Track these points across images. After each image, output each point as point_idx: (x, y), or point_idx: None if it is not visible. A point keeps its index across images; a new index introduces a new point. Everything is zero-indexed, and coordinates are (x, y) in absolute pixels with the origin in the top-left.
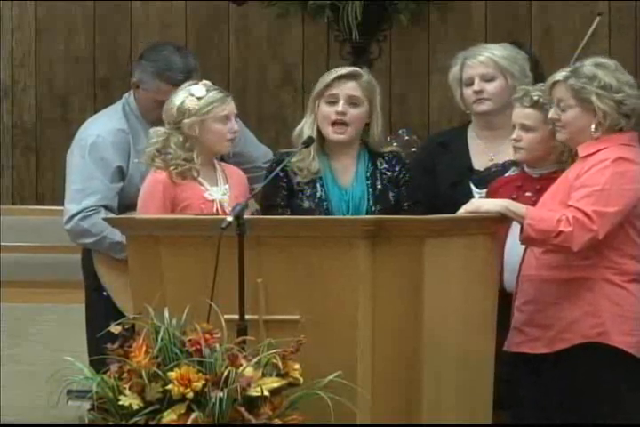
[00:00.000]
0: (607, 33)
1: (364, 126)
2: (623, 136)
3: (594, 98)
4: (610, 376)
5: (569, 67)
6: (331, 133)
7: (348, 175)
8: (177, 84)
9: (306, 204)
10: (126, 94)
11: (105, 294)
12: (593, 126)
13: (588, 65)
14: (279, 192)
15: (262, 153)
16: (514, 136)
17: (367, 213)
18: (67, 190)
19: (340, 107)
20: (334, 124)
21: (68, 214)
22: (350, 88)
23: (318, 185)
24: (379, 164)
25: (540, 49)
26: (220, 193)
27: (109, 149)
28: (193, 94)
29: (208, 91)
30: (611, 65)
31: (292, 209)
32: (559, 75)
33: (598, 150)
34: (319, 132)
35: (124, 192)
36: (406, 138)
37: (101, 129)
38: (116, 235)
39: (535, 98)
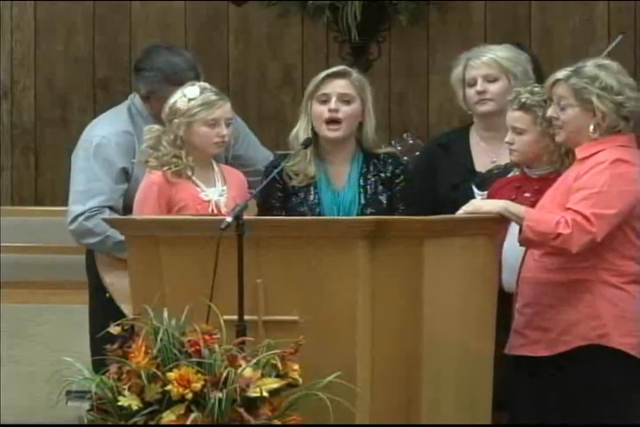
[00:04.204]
0: (606, 33)
1: (358, 126)
2: (621, 138)
3: (594, 98)
4: (611, 378)
5: (571, 66)
6: (325, 131)
7: (342, 179)
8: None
9: (300, 207)
10: (131, 95)
11: (107, 295)
12: (592, 127)
13: (590, 65)
14: (275, 194)
15: (263, 157)
16: (507, 139)
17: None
18: (71, 191)
19: (333, 104)
20: (328, 122)
21: (73, 215)
22: (341, 86)
23: (312, 189)
24: (372, 165)
25: (540, 49)
26: (217, 194)
27: (114, 151)
28: (185, 95)
29: (202, 93)
30: (613, 66)
31: (287, 211)
32: (561, 73)
33: (596, 152)
34: (314, 134)
35: (128, 194)
36: (410, 142)
37: (106, 130)
38: (120, 234)
39: (523, 100)
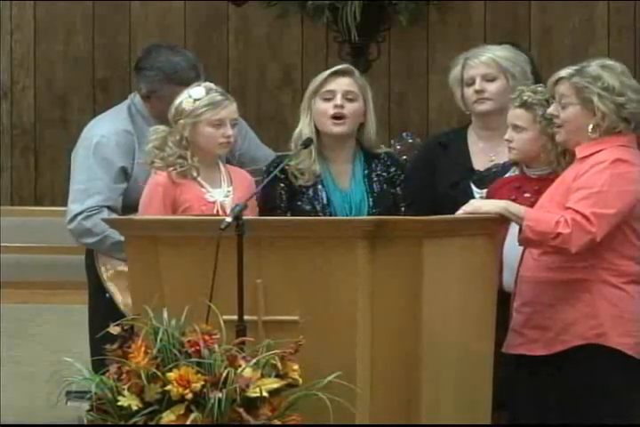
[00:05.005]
0: (606, 33)
1: (359, 126)
2: (621, 138)
3: (595, 98)
4: (609, 377)
5: (575, 65)
6: (330, 126)
7: (346, 178)
8: (190, 83)
9: (308, 206)
10: (132, 95)
11: (107, 295)
12: (590, 127)
13: (594, 65)
14: (280, 194)
15: (264, 155)
16: (506, 137)
17: (368, 215)
18: (70, 190)
19: (339, 100)
20: (333, 117)
21: (71, 214)
22: (346, 84)
23: (320, 188)
24: (374, 165)
25: (540, 49)
26: (223, 195)
27: (113, 150)
28: (191, 96)
29: (207, 93)
30: (617, 67)
31: (292, 211)
32: (564, 72)
33: (596, 152)
34: (317, 132)
35: (128, 193)
36: (410, 141)
37: (106, 129)
38: (118, 234)
39: (524, 98)
